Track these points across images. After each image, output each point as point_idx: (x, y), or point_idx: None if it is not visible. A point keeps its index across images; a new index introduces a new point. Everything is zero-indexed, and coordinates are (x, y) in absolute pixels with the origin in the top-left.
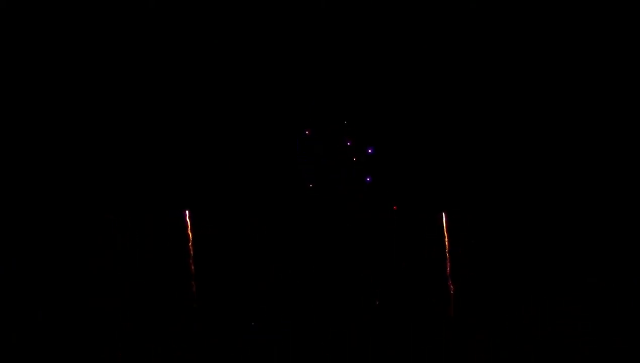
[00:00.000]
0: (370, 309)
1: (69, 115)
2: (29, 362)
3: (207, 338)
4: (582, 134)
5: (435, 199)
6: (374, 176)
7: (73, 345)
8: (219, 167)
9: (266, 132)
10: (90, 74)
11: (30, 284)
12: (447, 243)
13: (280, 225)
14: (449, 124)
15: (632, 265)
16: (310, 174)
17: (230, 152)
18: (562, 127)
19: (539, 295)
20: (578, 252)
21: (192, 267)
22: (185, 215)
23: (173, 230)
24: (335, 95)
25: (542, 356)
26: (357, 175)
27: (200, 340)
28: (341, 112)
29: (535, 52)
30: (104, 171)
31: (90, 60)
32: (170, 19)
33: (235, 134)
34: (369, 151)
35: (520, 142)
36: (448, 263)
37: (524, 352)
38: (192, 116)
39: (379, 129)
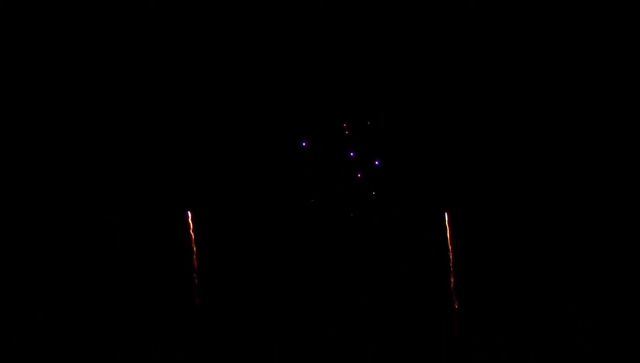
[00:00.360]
0: (370, 309)
1: (68, 115)
2: (29, 362)
3: (207, 338)
4: (582, 135)
5: (437, 199)
6: (377, 180)
7: (73, 345)
8: (220, 168)
9: (268, 133)
10: (90, 73)
11: (30, 284)
12: (449, 243)
13: (280, 225)
14: (451, 124)
15: (632, 265)
16: (311, 188)
17: (231, 152)
18: (563, 128)
19: (539, 295)
20: (578, 252)
21: (195, 267)
22: (187, 215)
23: (173, 230)
24: (336, 94)
25: (542, 356)
26: (361, 188)
27: (200, 340)
28: (341, 109)
29: (536, 53)
30: (104, 171)
31: (90, 60)
32: (170, 19)
33: (237, 134)
34: (376, 163)
35: (522, 143)
36: (451, 264)
37: (524, 352)
38: (193, 116)
39: (381, 131)
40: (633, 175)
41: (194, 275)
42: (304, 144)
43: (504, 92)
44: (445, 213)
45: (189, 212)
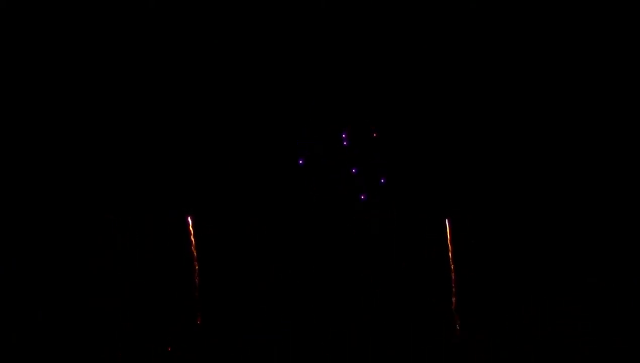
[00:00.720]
0: (370, 309)
1: (68, 115)
2: (29, 362)
3: (207, 338)
4: (579, 139)
5: (439, 205)
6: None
7: (73, 345)
8: (220, 169)
9: (269, 134)
10: (90, 73)
11: (30, 284)
12: (450, 247)
13: (281, 225)
14: (453, 128)
15: (632, 265)
16: (311, 194)
17: (231, 152)
18: (560, 132)
19: (539, 295)
20: (578, 252)
21: (195, 267)
22: (187, 219)
23: (173, 230)
24: (336, 100)
25: (542, 356)
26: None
27: (200, 340)
28: (342, 114)
29: (539, 60)
30: (104, 171)
31: (91, 60)
32: (171, 19)
33: (238, 135)
34: (382, 181)
35: (522, 147)
36: (451, 266)
37: (524, 352)
38: (193, 118)
39: (383, 140)
40: (632, 177)
41: (194, 275)
42: (300, 162)
43: (507, 101)
44: (447, 219)
45: (189, 218)
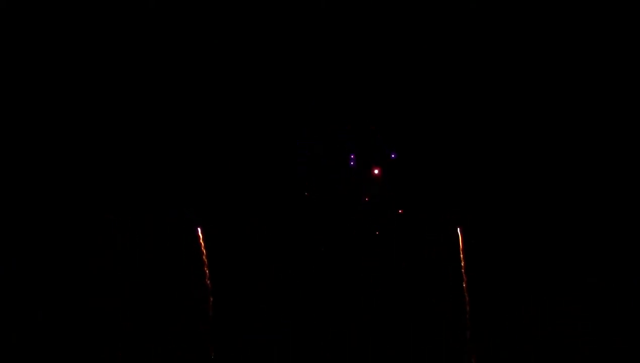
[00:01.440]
0: (370, 309)
1: (69, 115)
2: (29, 362)
3: (208, 338)
4: (585, 141)
5: (449, 212)
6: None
7: (73, 345)
8: (221, 168)
9: (269, 135)
10: (91, 73)
11: (30, 284)
12: (461, 253)
13: (282, 225)
14: (461, 132)
15: (632, 265)
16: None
17: (233, 153)
18: (568, 141)
19: (539, 295)
20: (578, 252)
21: (206, 269)
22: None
23: (174, 230)
24: (341, 99)
25: (542, 356)
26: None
27: (200, 340)
28: (346, 117)
29: (551, 68)
30: (104, 171)
31: (91, 60)
32: (176, 20)
33: (239, 136)
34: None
35: (526, 152)
36: (463, 269)
37: (524, 352)
38: (195, 118)
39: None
40: (632, 177)
41: (203, 276)
42: (306, 194)
43: (518, 110)
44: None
45: (199, 229)
